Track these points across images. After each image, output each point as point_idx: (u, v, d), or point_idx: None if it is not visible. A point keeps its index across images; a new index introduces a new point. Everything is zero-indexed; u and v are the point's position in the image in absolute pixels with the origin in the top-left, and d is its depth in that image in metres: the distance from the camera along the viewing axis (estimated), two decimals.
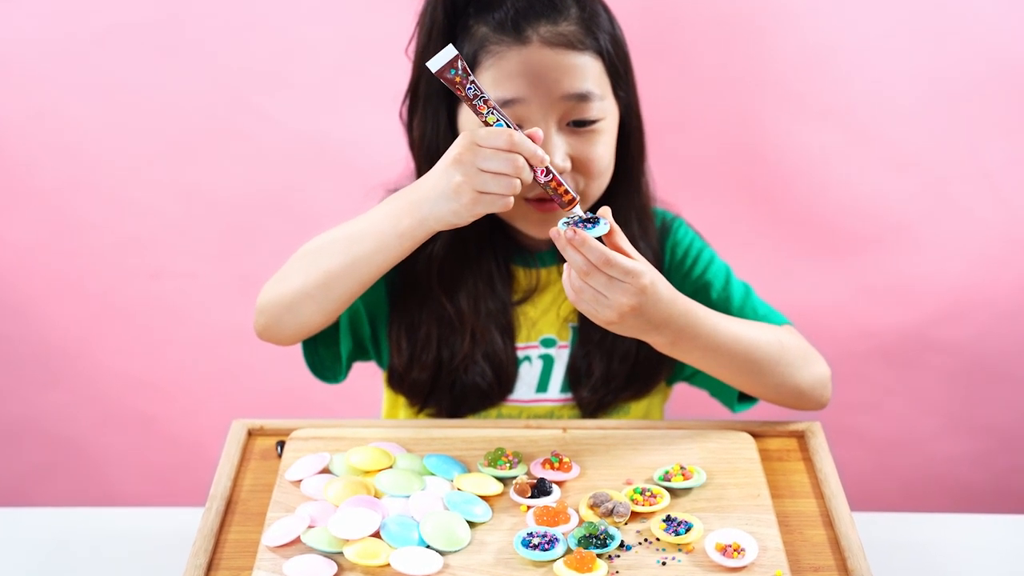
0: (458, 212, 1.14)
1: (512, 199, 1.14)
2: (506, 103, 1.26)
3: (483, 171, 1.12)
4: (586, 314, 1.17)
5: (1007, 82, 1.94)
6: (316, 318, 1.28)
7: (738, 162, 2.02)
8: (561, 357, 1.40)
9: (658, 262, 1.40)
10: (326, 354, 1.36)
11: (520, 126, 1.20)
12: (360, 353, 1.42)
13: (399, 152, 1.40)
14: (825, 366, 1.34)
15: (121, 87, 1.98)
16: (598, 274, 1.13)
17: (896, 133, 1.99)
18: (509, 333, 1.39)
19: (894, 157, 2.00)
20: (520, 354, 1.40)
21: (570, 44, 1.27)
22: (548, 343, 1.41)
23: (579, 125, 1.28)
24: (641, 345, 1.36)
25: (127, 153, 2.02)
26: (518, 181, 1.13)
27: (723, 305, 1.38)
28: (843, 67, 1.96)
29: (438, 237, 1.34)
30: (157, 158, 2.02)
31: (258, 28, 1.97)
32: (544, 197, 1.30)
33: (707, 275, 1.40)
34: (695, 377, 1.43)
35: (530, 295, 1.40)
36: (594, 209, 1.29)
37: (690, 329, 1.21)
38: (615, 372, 1.38)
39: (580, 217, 1.15)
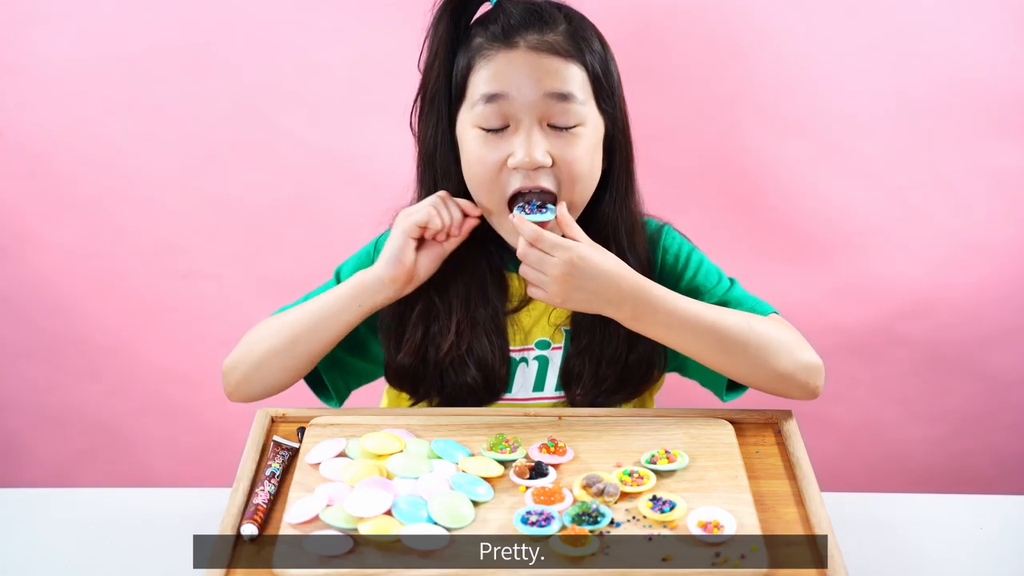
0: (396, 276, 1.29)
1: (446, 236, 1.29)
2: (492, 97, 1.27)
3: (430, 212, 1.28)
4: (536, 297, 1.24)
5: (964, 100, 1.95)
6: (281, 376, 1.35)
7: (719, 173, 2.02)
8: (555, 358, 1.39)
9: (648, 270, 1.37)
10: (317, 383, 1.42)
11: (507, 126, 1.27)
12: (358, 380, 1.44)
13: (406, 163, 1.40)
14: (811, 354, 1.31)
15: (154, 104, 1.99)
16: (532, 251, 1.21)
17: (863, 146, 1.99)
18: (500, 338, 1.37)
19: (861, 168, 2.00)
20: (516, 356, 1.39)
21: (554, 50, 1.27)
22: (543, 345, 1.39)
23: (561, 128, 1.28)
24: (631, 351, 1.35)
25: (159, 165, 2.02)
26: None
27: (712, 300, 1.36)
28: (815, 86, 1.96)
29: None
30: (186, 169, 2.03)
31: (279, 50, 1.97)
32: (523, 190, 1.28)
33: (698, 278, 1.38)
34: (685, 368, 1.41)
35: (525, 303, 1.38)
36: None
37: (648, 304, 1.24)
38: (604, 374, 1.36)
39: (534, 203, 1.21)
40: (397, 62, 1.43)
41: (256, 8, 1.94)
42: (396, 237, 1.30)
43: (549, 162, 1.27)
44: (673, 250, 1.40)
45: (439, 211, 1.29)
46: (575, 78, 1.28)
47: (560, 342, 1.39)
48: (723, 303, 1.35)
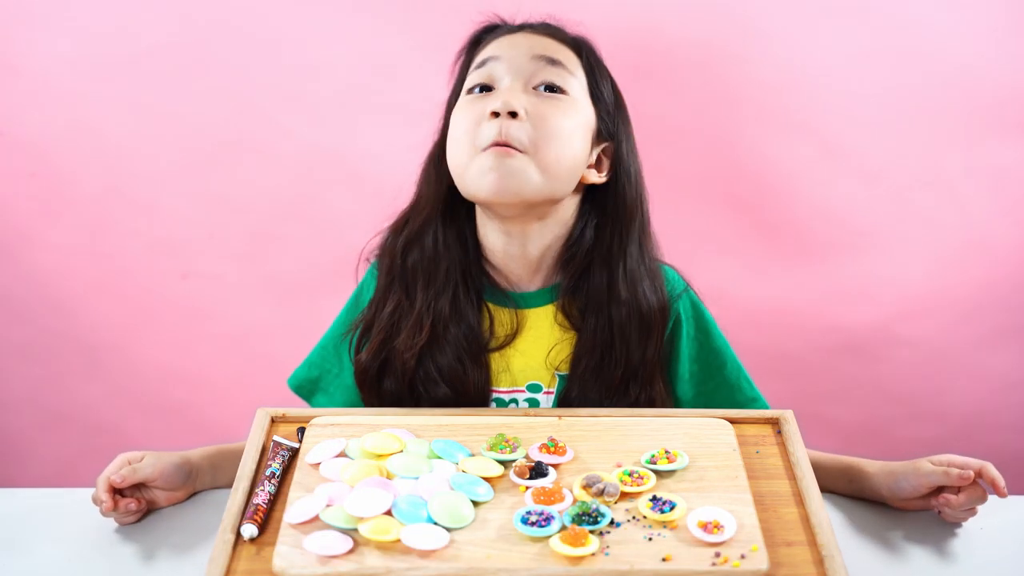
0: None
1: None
2: (483, 62, 1.30)
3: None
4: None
5: (963, 99, 1.95)
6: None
7: (721, 174, 2.02)
8: (546, 403, 1.36)
9: (663, 318, 1.35)
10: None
11: (491, 87, 1.28)
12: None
13: (406, 163, 1.40)
14: None
15: (154, 104, 1.99)
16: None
17: (863, 146, 1.99)
18: (480, 366, 1.33)
19: (861, 168, 2.01)
20: (506, 397, 1.36)
21: (553, 35, 1.32)
22: (534, 388, 1.36)
23: (547, 90, 1.28)
24: (640, 394, 1.35)
25: (159, 165, 2.02)
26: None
27: (733, 377, 1.40)
28: (815, 86, 1.96)
29: (410, 218, 1.35)
30: (186, 169, 2.03)
31: (279, 49, 1.98)
32: (498, 142, 1.24)
33: (724, 354, 1.40)
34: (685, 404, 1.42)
35: (511, 339, 1.35)
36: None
37: None
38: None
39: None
40: (397, 62, 1.43)
41: (256, 8, 1.94)
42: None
43: (524, 112, 1.24)
44: (703, 323, 1.40)
45: (98, 502, 1.29)
46: (570, 58, 1.31)
47: (553, 387, 1.36)
48: (736, 385, 1.39)
